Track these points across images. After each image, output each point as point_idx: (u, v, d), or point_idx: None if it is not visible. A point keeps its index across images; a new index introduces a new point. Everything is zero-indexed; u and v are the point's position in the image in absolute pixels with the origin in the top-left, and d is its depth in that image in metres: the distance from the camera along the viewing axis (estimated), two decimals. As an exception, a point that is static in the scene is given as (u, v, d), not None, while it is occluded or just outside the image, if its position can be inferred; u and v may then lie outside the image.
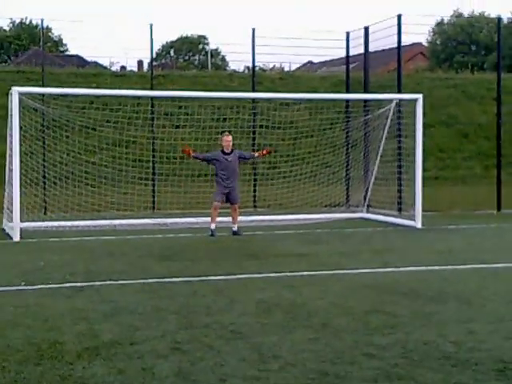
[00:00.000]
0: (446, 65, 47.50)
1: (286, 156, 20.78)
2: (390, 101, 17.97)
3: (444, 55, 53.19)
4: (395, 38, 19.42)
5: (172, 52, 79.07)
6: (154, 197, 19.68)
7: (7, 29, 63.80)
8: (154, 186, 19.72)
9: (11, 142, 14.45)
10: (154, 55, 74.01)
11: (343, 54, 22.31)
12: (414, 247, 13.14)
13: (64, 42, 68.17)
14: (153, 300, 8.24)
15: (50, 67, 32.82)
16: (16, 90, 14.40)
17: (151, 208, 19.42)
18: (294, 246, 13.13)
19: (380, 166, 18.46)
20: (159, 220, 16.58)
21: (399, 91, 18.89)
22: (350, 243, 13.62)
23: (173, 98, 20.86)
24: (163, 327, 6.95)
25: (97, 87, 26.63)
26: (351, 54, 22.21)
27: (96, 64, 49.65)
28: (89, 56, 56.43)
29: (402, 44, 19.82)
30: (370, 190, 18.63)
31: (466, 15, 55.96)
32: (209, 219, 14.91)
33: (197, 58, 78.19)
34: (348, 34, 21.64)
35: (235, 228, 14.92)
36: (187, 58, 77.61)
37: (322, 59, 47.54)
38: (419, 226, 16.01)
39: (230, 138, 15.14)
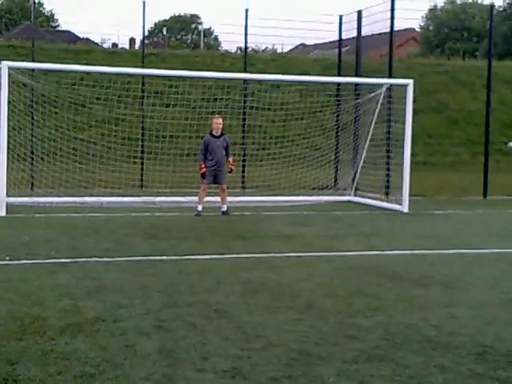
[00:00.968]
0: (438, 51, 47.48)
1: (276, 138, 20.78)
2: (381, 85, 17.95)
3: (436, 41, 53.18)
4: (388, 22, 19.35)
5: (165, 31, 78.73)
6: (142, 175, 19.64)
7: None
8: (142, 164, 19.67)
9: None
10: (147, 33, 73.91)
11: (336, 37, 22.28)
12: (400, 231, 13.18)
13: (55, 17, 67.80)
14: (138, 278, 8.25)
15: (40, 42, 32.65)
16: (5, 65, 14.29)
17: (139, 186, 19.37)
18: (281, 227, 13.14)
19: (369, 150, 18.48)
20: (147, 198, 16.56)
21: (390, 76, 18.86)
22: (337, 226, 13.63)
23: (164, 77, 20.83)
24: (147, 305, 6.96)
25: (87, 64, 26.48)
26: (344, 37, 22.16)
27: (88, 40, 49.46)
28: (80, 32, 56.17)
29: (395, 29, 19.77)
30: (358, 173, 18.66)
31: (459, 1, 55.89)
32: (197, 198, 14.93)
33: (189, 37, 77.96)
34: (341, 17, 21.60)
35: (224, 208, 14.93)
36: (180, 37, 77.35)
37: (315, 42, 47.48)
38: (406, 210, 16.07)
39: (221, 120, 15.10)
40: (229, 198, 15.77)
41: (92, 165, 18.36)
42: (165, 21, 77.60)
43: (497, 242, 11.55)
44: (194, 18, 78.85)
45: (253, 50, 43.68)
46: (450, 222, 14.60)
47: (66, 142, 18.57)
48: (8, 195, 14.52)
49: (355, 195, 18.49)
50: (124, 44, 46.75)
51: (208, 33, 73.88)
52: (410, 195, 16.70)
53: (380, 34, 21.70)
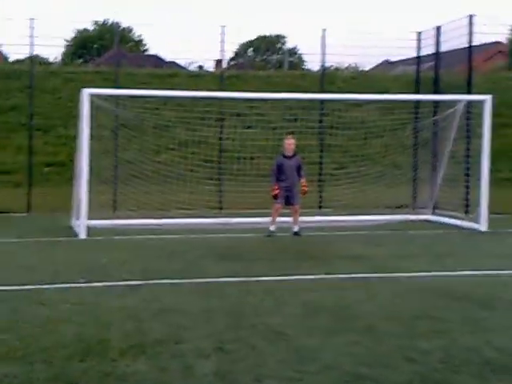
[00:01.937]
0: (525, 63, 46.38)
1: (355, 156, 20.74)
2: (459, 101, 17.74)
3: (524, 54, 51.92)
4: (467, 37, 19.15)
5: (250, 51, 79.61)
6: (220, 196, 19.88)
7: (91, 29, 65.35)
8: (221, 185, 19.93)
9: (80, 142, 14.88)
10: (233, 54, 74.89)
11: (419, 53, 22.04)
12: (475, 251, 12.95)
13: (144, 42, 69.47)
14: (204, 300, 8.40)
15: (127, 68, 33.60)
16: (87, 92, 14.80)
17: (218, 208, 19.61)
18: (352, 247, 13.12)
19: (448, 167, 18.21)
20: (223, 219, 16.78)
21: (469, 92, 18.61)
22: (410, 246, 13.50)
23: (243, 99, 21.11)
24: (210, 327, 7.09)
25: (171, 88, 27.10)
26: (426, 53, 21.97)
27: (174, 64, 50.41)
28: (167, 56, 57.30)
29: (481, 43, 19.59)
30: (436, 191, 18.42)
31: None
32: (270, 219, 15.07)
33: (274, 57, 78.51)
34: (419, 33, 21.43)
35: (296, 229, 15.00)
36: (265, 57, 78.04)
37: (398, 58, 47.08)
38: (484, 229, 15.76)
39: (293, 141, 15.21)
40: (304, 218, 15.87)
41: (173, 187, 18.72)
42: (250, 41, 78.43)
43: None
44: (279, 38, 79.35)
45: (335, 68, 43.61)
46: (529, 241, 14.27)
47: (149, 164, 19.01)
48: (90, 218, 14.97)
49: (433, 214, 18.23)
50: (209, 67, 47.40)
51: (292, 52, 74.13)
52: (491, 213, 16.37)
53: (465, 48, 21.46)
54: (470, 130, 17.73)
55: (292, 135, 15.95)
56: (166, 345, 6.46)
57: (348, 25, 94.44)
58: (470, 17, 18.91)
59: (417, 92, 21.48)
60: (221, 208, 19.59)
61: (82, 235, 14.34)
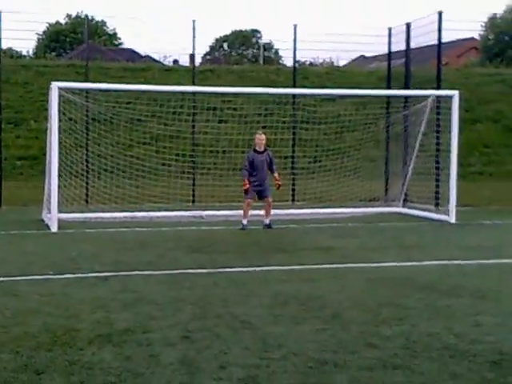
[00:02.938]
0: (498, 60, 46.77)
1: (328, 150, 20.89)
2: (429, 96, 17.96)
3: (496, 50, 52.44)
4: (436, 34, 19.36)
5: (225, 46, 79.58)
6: (193, 190, 19.94)
7: (63, 22, 64.87)
8: (194, 179, 19.99)
9: (51, 136, 14.87)
10: (208, 49, 74.78)
11: (394, 48, 22.18)
12: (443, 242, 13.13)
13: (118, 35, 69.12)
14: (173, 291, 8.48)
15: (100, 62, 33.50)
16: (55, 85, 14.78)
17: (191, 201, 19.67)
18: (324, 239, 13.26)
19: (419, 161, 18.42)
20: (195, 212, 16.87)
21: (438, 87, 18.84)
22: (380, 238, 13.68)
23: (216, 94, 21.17)
24: (178, 317, 7.18)
25: (145, 82, 27.09)
26: (398, 49, 22.13)
27: (149, 58, 50.29)
28: (142, 50, 57.17)
29: (455, 39, 19.84)
30: (406, 184, 18.64)
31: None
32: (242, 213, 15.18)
33: (250, 52, 78.51)
34: (390, 29, 21.60)
35: (267, 221, 15.12)
36: (240, 51, 78.02)
37: (373, 54, 47.35)
38: (453, 220, 15.99)
39: (263, 136, 15.34)
40: (278, 211, 16.00)
41: (145, 181, 18.76)
42: (225, 36, 78.38)
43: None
44: (255, 33, 79.31)
45: (310, 63, 43.78)
46: (496, 233, 14.50)
47: (121, 159, 19.01)
48: (61, 211, 14.99)
49: (404, 206, 18.46)
50: (185, 61, 47.38)
51: (268, 47, 74.13)
52: (461, 205, 16.60)
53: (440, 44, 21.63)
54: (439, 124, 17.93)
55: (263, 130, 16.04)
56: (133, 334, 6.54)
57: (322, 20, 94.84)
58: (440, 13, 19.13)
59: (388, 87, 21.67)
60: (193, 201, 19.65)
61: (54, 228, 14.34)
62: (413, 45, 20.87)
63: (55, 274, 9.57)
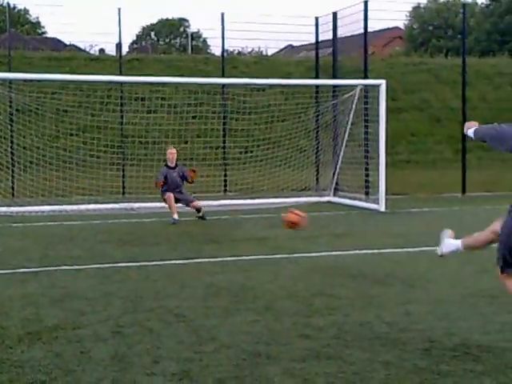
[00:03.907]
0: (422, 49, 47.72)
1: (259, 140, 20.94)
2: (356, 86, 18.16)
3: (421, 39, 53.44)
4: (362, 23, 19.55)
5: (152, 35, 78.88)
6: (123, 182, 19.72)
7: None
8: (123, 170, 19.77)
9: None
10: (135, 38, 73.98)
11: (322, 38, 22.34)
12: (373, 231, 13.32)
13: (42, 24, 67.80)
14: (104, 285, 8.37)
15: (24, 51, 32.76)
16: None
17: (121, 193, 19.45)
18: (255, 230, 13.30)
19: (349, 151, 18.65)
20: (126, 205, 16.69)
21: (365, 76, 19.06)
22: (312, 227, 13.71)
23: (144, 83, 20.97)
24: (108, 312, 7.08)
25: (70, 71, 26.62)
26: (325, 38, 22.29)
27: (74, 47, 49.42)
28: (68, 40, 56.22)
29: (379, 28, 20.06)
30: (336, 173, 18.84)
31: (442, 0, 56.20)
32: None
33: (178, 41, 77.99)
34: (317, 18, 21.75)
35: (200, 214, 15.02)
36: (168, 40, 77.44)
37: (301, 43, 47.60)
38: (383, 209, 16.25)
39: (174, 151, 15.10)
40: (209, 202, 15.96)
41: (74, 173, 18.49)
42: (152, 25, 77.66)
43: (467, 239, 11.68)
44: (182, 22, 78.81)
45: (238, 52, 43.75)
46: (424, 220, 14.76)
47: (48, 150, 18.67)
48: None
49: (334, 195, 18.65)
50: (111, 50, 46.76)
51: (196, 36, 73.76)
52: (390, 194, 16.88)
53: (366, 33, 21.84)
54: (367, 113, 18.15)
55: (173, 146, 15.80)
56: (64, 330, 6.42)
57: (250, 9, 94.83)
58: (365, 3, 19.32)
59: (317, 77, 21.82)
60: (123, 193, 19.43)
61: (-21, 223, 14.01)
62: (339, 34, 21.06)
63: (-19, 270, 9.33)
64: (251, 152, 20.84)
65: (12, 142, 18.82)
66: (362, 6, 19.58)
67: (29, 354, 5.76)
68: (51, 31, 67.60)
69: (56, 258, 10.29)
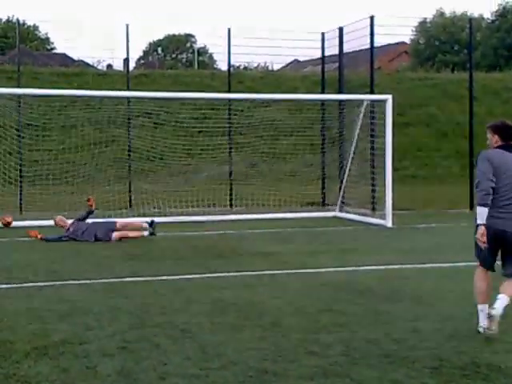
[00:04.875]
0: (428, 64, 47.72)
1: (265, 154, 20.97)
2: (362, 101, 18.18)
3: (427, 54, 53.48)
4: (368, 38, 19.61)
5: (159, 50, 79.16)
6: (130, 195, 19.72)
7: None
8: (130, 184, 19.78)
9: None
10: (142, 53, 74.25)
11: (328, 52, 22.37)
12: (380, 246, 13.26)
13: (51, 40, 68.11)
14: (110, 300, 8.35)
15: (33, 66, 32.93)
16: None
17: (127, 207, 19.43)
18: (262, 245, 13.26)
19: (355, 166, 18.63)
20: (134, 219, 16.61)
21: (372, 92, 19.07)
22: (318, 242, 13.74)
23: (150, 99, 21.05)
24: (115, 327, 7.06)
25: (78, 87, 26.75)
26: (331, 53, 22.33)
27: (83, 62, 49.64)
28: (75, 55, 56.44)
29: (385, 43, 20.05)
30: (343, 189, 18.81)
31: (448, 14, 56.27)
32: (180, 218, 15.07)
33: (184, 56, 78.27)
34: (323, 34, 21.78)
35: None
36: (174, 56, 77.72)
37: (307, 58, 47.74)
38: (389, 224, 16.19)
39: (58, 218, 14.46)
40: (215, 217, 15.98)
41: (81, 187, 18.50)
42: (159, 40, 77.99)
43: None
44: (189, 37, 79.11)
45: (244, 67, 43.85)
46: (431, 236, 14.70)
47: (56, 165, 18.71)
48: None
49: (341, 211, 18.61)
50: (119, 66, 46.92)
51: (203, 51, 74.00)
52: (396, 209, 16.82)
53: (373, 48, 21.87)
54: (374, 128, 18.14)
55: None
56: (70, 345, 6.41)
57: (256, 24, 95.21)
58: (371, 18, 19.37)
59: (322, 92, 21.85)
60: (130, 207, 19.41)
61: (-14, 237, 14.01)
62: (346, 49, 21.10)
63: (-13, 284, 9.34)
64: (257, 166, 20.85)
65: (20, 156, 18.86)
66: (368, 21, 19.62)
67: (35, 368, 5.75)
68: (60, 47, 67.87)
69: (63, 272, 10.28)
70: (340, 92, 20.51)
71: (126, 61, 22.03)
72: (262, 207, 18.59)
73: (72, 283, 9.43)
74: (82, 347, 6.35)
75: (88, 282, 9.54)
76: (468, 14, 54.12)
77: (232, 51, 21.09)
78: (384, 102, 16.92)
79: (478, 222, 6.68)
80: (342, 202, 18.90)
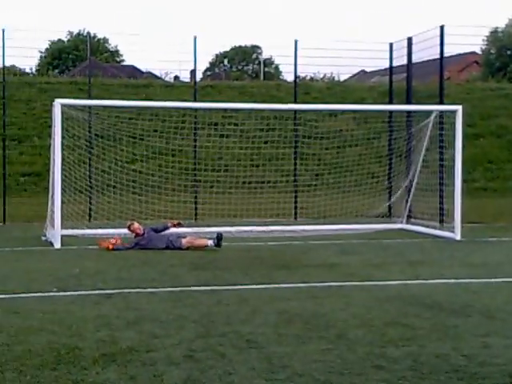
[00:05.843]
0: (500, 74, 46.82)
1: (330, 165, 20.86)
2: (432, 111, 17.93)
3: (498, 64, 52.48)
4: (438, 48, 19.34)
5: (225, 62, 79.78)
6: (196, 205, 19.85)
7: (65, 40, 65.19)
8: (196, 195, 19.92)
9: (54, 153, 14.86)
10: (208, 65, 74.96)
11: (396, 63, 22.17)
12: (449, 259, 13.01)
13: (120, 52, 69.34)
14: (176, 308, 8.41)
15: (102, 78, 33.64)
16: (58, 102, 14.78)
17: (194, 217, 19.57)
18: (327, 256, 13.19)
19: (423, 177, 18.35)
20: (197, 229, 16.69)
21: (441, 102, 18.78)
22: (385, 254, 13.59)
23: (217, 109, 21.26)
24: (181, 335, 7.10)
25: (146, 98, 27.18)
26: (400, 63, 22.13)
27: (151, 74, 50.40)
28: (144, 67, 57.27)
29: (456, 53, 19.76)
30: (410, 200, 18.56)
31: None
32: (245, 228, 15.08)
33: (250, 67, 78.74)
34: (391, 44, 21.60)
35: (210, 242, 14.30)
36: (240, 67, 78.26)
37: (374, 69, 47.47)
38: (458, 237, 15.89)
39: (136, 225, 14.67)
40: (280, 228, 15.95)
41: (149, 195, 18.72)
42: (226, 52, 78.62)
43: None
44: (255, 49, 79.56)
45: (311, 78, 43.82)
46: (502, 250, 14.39)
47: (125, 174, 18.99)
48: (65, 228, 14.91)
49: (407, 223, 18.36)
50: (185, 77, 47.45)
51: (268, 62, 74.25)
52: (466, 222, 16.51)
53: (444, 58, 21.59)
54: (443, 139, 17.87)
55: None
56: (137, 353, 6.47)
57: (323, 35, 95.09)
58: (441, 27, 19.11)
59: (390, 102, 21.64)
60: (196, 216, 19.56)
61: (57, 245, 14.27)
62: (414, 59, 20.87)
63: (58, 291, 9.51)
64: (322, 177, 20.76)
65: (90, 166, 19.22)
66: (437, 31, 19.37)
67: (104, 375, 5.82)
68: (129, 59, 68.99)
69: (130, 280, 10.42)
70: (408, 102, 20.27)
71: (193, 72, 22.23)
72: (327, 218, 18.47)
73: (139, 291, 9.53)
74: (149, 355, 6.40)
75: (155, 290, 9.64)
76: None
77: (298, 62, 21.11)
78: (454, 112, 16.63)
79: None
80: (409, 215, 18.65)
